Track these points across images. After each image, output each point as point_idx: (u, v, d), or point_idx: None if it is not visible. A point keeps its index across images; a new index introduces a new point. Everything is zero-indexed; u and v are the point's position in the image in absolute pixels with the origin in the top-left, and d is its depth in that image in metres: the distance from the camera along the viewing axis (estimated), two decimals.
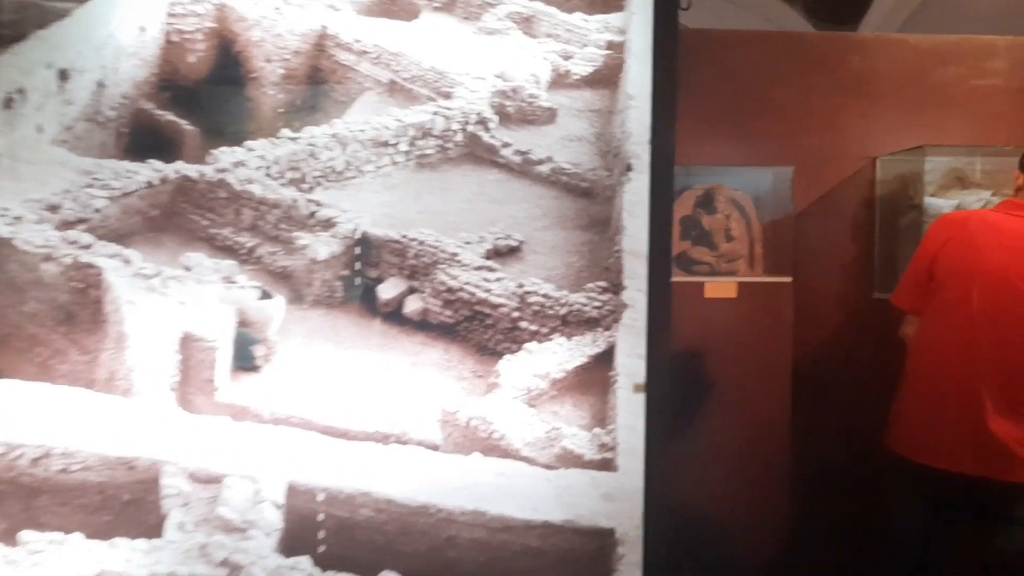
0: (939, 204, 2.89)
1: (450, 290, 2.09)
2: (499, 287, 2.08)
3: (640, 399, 1.93)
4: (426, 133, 2.28)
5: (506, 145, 2.29)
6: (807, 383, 3.02)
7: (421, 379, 2.02)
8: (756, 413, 2.90)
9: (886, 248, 3.11)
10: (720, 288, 2.84)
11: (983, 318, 2.12)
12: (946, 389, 2.17)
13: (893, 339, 2.75)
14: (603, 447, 1.92)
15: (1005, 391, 2.10)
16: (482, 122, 2.30)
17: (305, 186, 2.18)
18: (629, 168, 1.97)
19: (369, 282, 2.12)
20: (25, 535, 1.81)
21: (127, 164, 2.09)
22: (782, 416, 2.91)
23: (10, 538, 1.82)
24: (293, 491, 1.86)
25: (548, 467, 1.91)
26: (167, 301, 1.96)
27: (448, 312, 2.10)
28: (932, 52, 3.17)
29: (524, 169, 2.27)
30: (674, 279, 2.72)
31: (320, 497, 1.85)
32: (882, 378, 2.88)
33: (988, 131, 3.14)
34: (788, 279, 2.87)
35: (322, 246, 2.09)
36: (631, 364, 1.94)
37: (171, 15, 2.18)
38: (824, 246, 3.15)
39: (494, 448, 1.91)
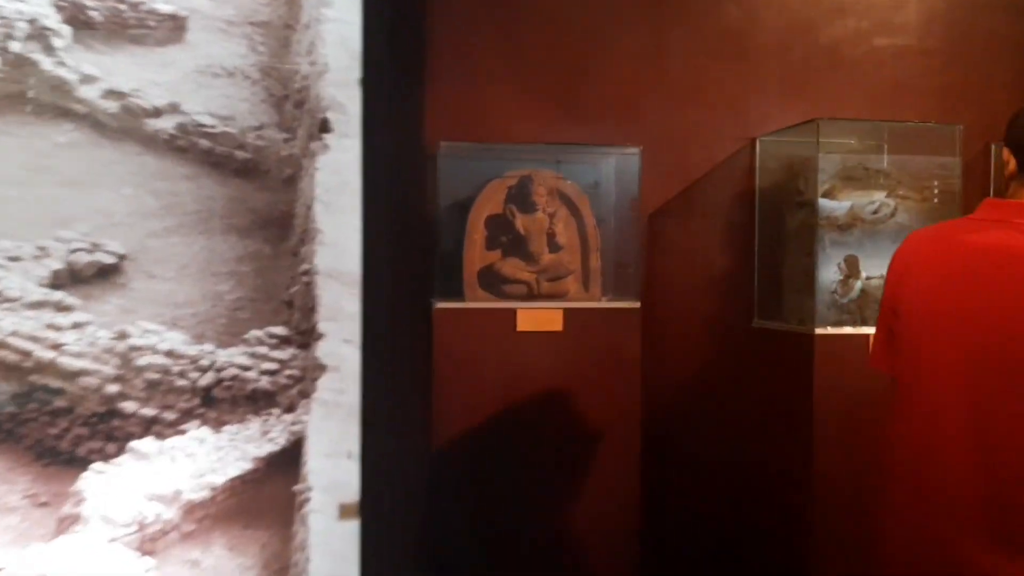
0: (831, 206, 2.47)
1: None
2: (79, 339, 1.51)
3: (351, 531, 1.45)
4: None
5: (89, 79, 1.57)
6: (663, 448, 2.49)
7: None
8: (595, 507, 2.26)
9: (769, 260, 2.58)
10: (540, 318, 2.29)
11: (968, 400, 1.32)
12: (922, 508, 1.41)
13: (782, 381, 2.34)
14: None
15: (1005, 522, 1.29)
16: (40, 36, 1.58)
17: None
18: (325, 127, 1.46)
19: None
20: None
21: None
22: (628, 502, 2.29)
23: None
24: None
25: None
26: None
27: None
28: (827, 1, 2.69)
29: (125, 124, 1.58)
30: (472, 304, 2.06)
31: None
32: (770, 436, 2.43)
33: (894, 102, 2.67)
34: (636, 304, 2.34)
35: None
36: (333, 470, 1.46)
37: None
38: (685, 258, 2.60)
39: None
